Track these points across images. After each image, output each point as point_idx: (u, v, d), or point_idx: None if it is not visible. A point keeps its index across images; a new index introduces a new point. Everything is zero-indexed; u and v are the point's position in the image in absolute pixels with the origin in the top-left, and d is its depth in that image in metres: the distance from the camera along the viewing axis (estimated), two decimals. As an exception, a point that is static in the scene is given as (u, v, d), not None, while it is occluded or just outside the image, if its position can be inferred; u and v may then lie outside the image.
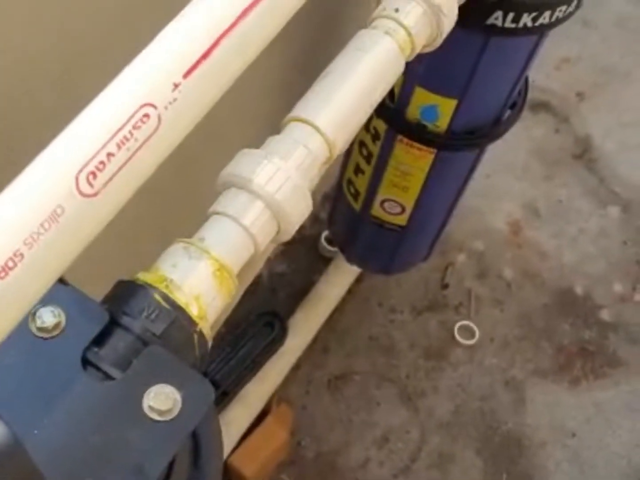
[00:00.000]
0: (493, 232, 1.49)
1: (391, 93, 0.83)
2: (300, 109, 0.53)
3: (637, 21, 1.77)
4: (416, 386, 1.34)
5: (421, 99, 0.80)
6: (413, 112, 0.82)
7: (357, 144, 0.94)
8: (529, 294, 1.44)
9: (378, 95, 0.56)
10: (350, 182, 1.00)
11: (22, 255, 0.25)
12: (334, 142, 0.53)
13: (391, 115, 0.84)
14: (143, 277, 0.45)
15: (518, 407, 1.34)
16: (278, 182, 0.49)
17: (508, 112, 0.86)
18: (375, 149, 0.91)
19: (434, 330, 1.40)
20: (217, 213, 0.49)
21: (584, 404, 1.34)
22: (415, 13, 0.57)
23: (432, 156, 0.87)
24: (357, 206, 1.01)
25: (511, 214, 1.51)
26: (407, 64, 0.73)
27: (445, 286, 1.43)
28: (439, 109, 0.81)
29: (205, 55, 0.30)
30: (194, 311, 0.45)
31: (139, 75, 0.28)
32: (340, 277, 1.28)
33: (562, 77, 1.70)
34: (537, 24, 0.68)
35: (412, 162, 0.89)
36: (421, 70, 0.77)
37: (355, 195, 1.00)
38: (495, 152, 1.56)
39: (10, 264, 0.25)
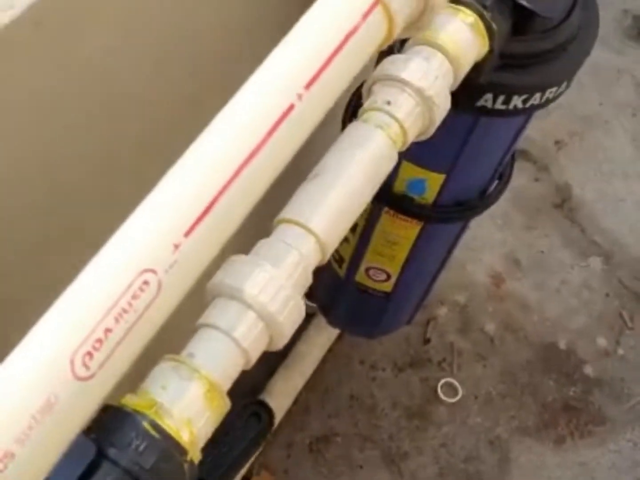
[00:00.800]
0: (475, 284, 1.49)
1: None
2: (292, 211, 0.52)
3: (613, 70, 1.79)
4: (399, 447, 1.32)
5: (408, 173, 0.80)
6: (400, 185, 0.81)
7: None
8: (511, 348, 1.44)
9: (371, 191, 0.54)
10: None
11: (12, 455, 0.23)
12: (326, 244, 0.51)
13: (377, 187, 0.83)
14: (131, 401, 0.43)
15: (503, 467, 1.32)
16: (271, 292, 0.47)
17: (495, 183, 0.85)
18: (360, 219, 0.89)
19: (416, 387, 1.38)
20: (207, 325, 0.47)
21: (569, 464, 1.33)
22: (407, 105, 0.56)
23: (418, 227, 0.86)
24: (341, 272, 1.00)
25: (493, 266, 1.51)
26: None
27: (427, 341, 1.42)
28: (426, 183, 0.80)
29: (207, 210, 0.28)
30: (184, 437, 0.43)
31: (137, 238, 0.27)
32: (321, 337, 1.26)
33: (541, 125, 1.71)
34: (527, 105, 0.67)
35: (398, 233, 0.88)
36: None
37: (340, 262, 0.99)
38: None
39: (0, 466, 0.23)
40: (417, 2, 0.45)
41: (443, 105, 0.58)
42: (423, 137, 0.60)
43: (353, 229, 0.92)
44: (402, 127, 0.56)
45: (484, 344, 1.44)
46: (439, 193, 0.81)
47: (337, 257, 0.99)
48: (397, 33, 0.47)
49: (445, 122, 0.71)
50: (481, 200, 0.84)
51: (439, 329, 1.44)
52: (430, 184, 0.80)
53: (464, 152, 0.75)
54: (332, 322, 1.14)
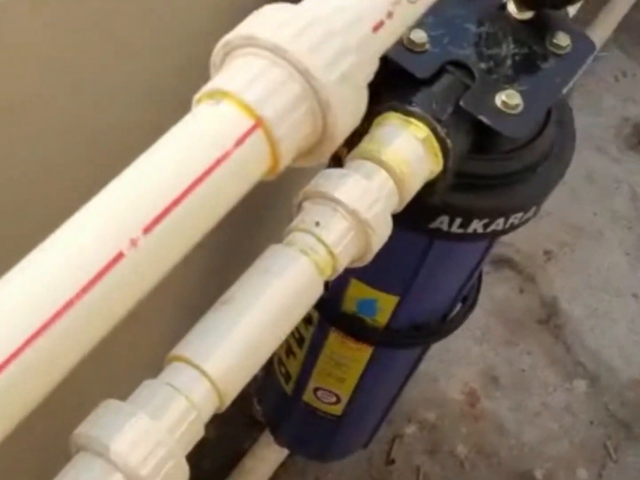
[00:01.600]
0: (447, 401, 1.41)
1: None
2: (187, 346, 0.45)
3: (609, 177, 1.75)
4: None
5: (358, 292, 0.73)
6: (349, 303, 0.75)
7: (289, 324, 0.85)
8: (483, 475, 1.35)
9: (288, 326, 0.48)
10: (280, 361, 0.91)
11: None
12: (225, 391, 0.44)
13: (324, 304, 0.76)
14: None
15: None
16: (143, 451, 0.40)
17: (458, 307, 0.79)
18: (307, 333, 0.83)
19: (375, 515, 1.29)
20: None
21: None
22: (338, 228, 0.50)
23: (369, 351, 0.79)
24: (287, 389, 0.93)
25: (468, 382, 1.43)
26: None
27: (391, 462, 1.33)
28: (377, 304, 0.73)
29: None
30: None
31: None
32: (271, 452, 1.17)
33: (529, 232, 1.64)
34: (488, 230, 0.61)
35: (348, 355, 0.80)
36: (358, 263, 0.69)
37: (287, 377, 0.91)
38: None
39: None
40: (312, 129, 0.39)
41: (381, 231, 0.51)
42: (359, 264, 0.53)
43: (299, 344, 0.85)
44: (331, 253, 0.49)
45: (454, 469, 1.35)
46: (393, 315, 0.74)
47: (284, 371, 0.91)
48: (285, 162, 0.40)
49: (397, 242, 0.65)
50: (442, 325, 0.77)
51: (404, 448, 1.35)
52: (382, 305, 0.73)
53: (419, 275, 0.68)
54: (279, 441, 1.06)
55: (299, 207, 0.52)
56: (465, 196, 0.59)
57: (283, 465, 1.27)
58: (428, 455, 1.35)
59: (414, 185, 0.54)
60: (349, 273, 0.70)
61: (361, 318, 0.75)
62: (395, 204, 0.54)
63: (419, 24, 0.58)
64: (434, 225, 0.60)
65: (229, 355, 0.44)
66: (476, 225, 0.61)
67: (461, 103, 0.55)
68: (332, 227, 0.50)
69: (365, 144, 0.54)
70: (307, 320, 0.81)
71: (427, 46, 0.57)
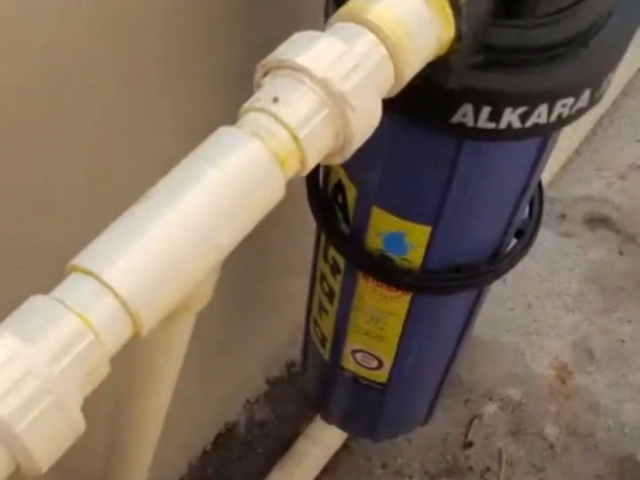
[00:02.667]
0: (534, 377, 1.27)
1: (345, 211, 0.64)
2: (89, 254, 0.34)
3: None
4: None
5: (382, 224, 0.61)
6: (373, 240, 0.63)
7: (319, 274, 0.74)
8: (577, 460, 1.21)
9: (231, 233, 0.36)
10: (316, 322, 0.81)
11: None
12: (138, 312, 0.34)
13: (345, 243, 0.65)
14: None
15: None
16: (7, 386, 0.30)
17: (513, 243, 0.66)
18: (336, 284, 0.71)
19: (451, 504, 1.16)
20: None
21: None
22: (304, 105, 0.38)
23: (407, 299, 0.67)
24: (325, 354, 0.81)
25: (558, 356, 1.29)
26: (355, 171, 0.52)
27: (468, 445, 1.21)
28: (407, 239, 0.61)
29: None
30: None
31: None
32: (326, 433, 1.06)
33: (629, 188, 1.48)
34: (527, 124, 0.48)
35: (382, 306, 0.69)
36: (375, 181, 0.58)
37: (323, 341, 0.80)
38: (539, 276, 1.37)
39: None
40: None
41: (364, 110, 0.40)
42: (339, 158, 0.42)
43: (330, 298, 0.74)
44: (295, 138, 0.38)
45: (542, 452, 1.21)
46: (427, 253, 0.62)
47: (320, 334, 0.80)
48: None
49: (416, 148, 0.54)
50: (490, 265, 0.65)
51: (484, 430, 1.22)
52: (413, 240, 0.61)
53: (450, 194, 0.56)
54: (325, 418, 0.95)
55: (259, 84, 0.41)
56: (492, 76, 0.47)
57: (347, 448, 1.16)
58: (511, 437, 1.22)
59: (415, 56, 0.42)
60: (368, 195, 0.59)
61: (390, 258, 0.63)
62: (389, 80, 0.42)
63: None
64: (455, 118, 0.48)
65: (143, 266, 0.34)
66: (510, 117, 0.48)
67: (476, -51, 0.43)
68: (296, 103, 0.38)
69: (350, 2, 0.42)
70: (334, 268, 0.70)
71: None
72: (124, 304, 0.33)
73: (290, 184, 0.38)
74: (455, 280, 0.64)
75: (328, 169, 0.65)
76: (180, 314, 0.43)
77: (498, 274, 0.65)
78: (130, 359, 0.47)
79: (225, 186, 0.36)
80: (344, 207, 0.63)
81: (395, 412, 0.85)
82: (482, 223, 0.61)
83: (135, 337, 0.34)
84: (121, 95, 0.55)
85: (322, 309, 0.77)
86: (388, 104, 0.49)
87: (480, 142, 0.51)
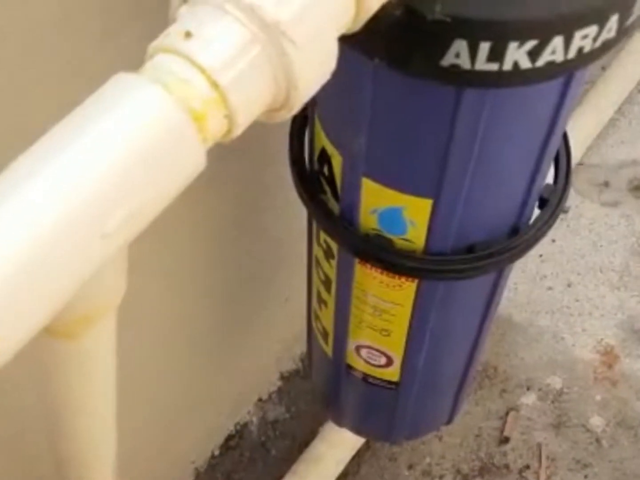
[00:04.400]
0: (576, 362, 1.17)
1: (332, 185, 0.54)
2: None
3: None
4: None
5: (375, 199, 0.52)
6: (367, 219, 0.53)
7: (314, 259, 0.65)
8: (628, 453, 1.11)
9: (126, 221, 0.27)
10: (316, 315, 0.72)
11: None
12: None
13: (335, 222, 0.55)
14: None
15: None
16: None
17: (535, 214, 0.56)
18: (331, 271, 0.62)
19: (487, 506, 1.07)
20: None
21: None
22: (226, 39, 0.29)
23: (412, 286, 0.58)
24: (328, 351, 0.73)
25: (602, 339, 1.18)
26: (337, 135, 0.47)
27: (505, 440, 1.11)
28: (405, 214, 0.52)
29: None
30: None
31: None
32: (344, 433, 0.97)
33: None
34: (539, 63, 0.38)
35: (385, 295, 0.59)
36: (361, 147, 0.48)
37: (325, 336, 0.72)
38: (579, 250, 1.26)
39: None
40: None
41: (313, 45, 0.30)
42: (286, 113, 0.32)
43: (327, 286, 0.65)
44: (214, 85, 0.29)
45: (587, 446, 1.11)
46: (430, 231, 0.52)
47: (321, 327, 0.71)
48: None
49: (406, 104, 0.44)
50: (510, 242, 0.55)
51: (522, 423, 1.12)
52: (412, 216, 0.52)
53: (451, 158, 0.46)
54: (337, 420, 0.86)
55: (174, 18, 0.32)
56: (490, 2, 0.37)
57: (369, 448, 1.08)
58: (552, 430, 1.12)
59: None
60: (355, 164, 0.50)
61: (388, 238, 0.54)
62: (348, 7, 0.32)
63: None
64: (446, 60, 0.39)
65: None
66: (517, 55, 0.38)
67: None
68: (215, 38, 0.29)
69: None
70: (327, 252, 0.61)
71: None
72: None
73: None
74: (467, 262, 0.54)
75: (312, 136, 0.55)
76: (94, 315, 0.34)
77: (519, 252, 0.55)
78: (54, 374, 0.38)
79: (111, 154, 0.27)
80: (331, 180, 0.54)
81: (412, 412, 0.75)
82: (494, 191, 0.51)
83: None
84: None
85: (320, 299, 0.68)
86: (361, 47, 0.40)
87: (481, 89, 0.41)
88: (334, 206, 0.55)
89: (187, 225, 0.70)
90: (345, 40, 0.36)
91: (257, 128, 0.33)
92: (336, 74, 0.37)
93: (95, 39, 0.49)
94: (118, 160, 0.26)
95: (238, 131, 0.30)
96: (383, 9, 0.35)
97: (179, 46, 0.29)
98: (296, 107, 0.32)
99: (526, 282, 1.23)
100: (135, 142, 0.27)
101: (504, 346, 1.17)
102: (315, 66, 0.31)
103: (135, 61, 0.30)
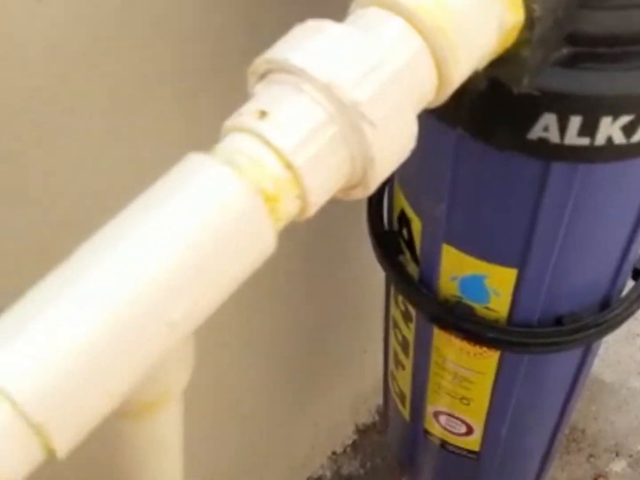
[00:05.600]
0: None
1: (412, 249, 0.53)
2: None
3: None
4: None
5: (456, 266, 0.50)
6: (447, 285, 0.52)
7: (392, 320, 0.64)
8: None
9: (193, 307, 0.27)
10: (393, 376, 0.70)
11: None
12: (45, 427, 0.24)
13: (414, 287, 0.54)
14: None
15: None
16: None
17: (629, 286, 0.54)
18: (409, 333, 0.61)
19: None
20: None
21: None
22: (305, 119, 0.28)
23: (495, 356, 0.56)
24: (405, 414, 0.71)
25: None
26: (417, 200, 0.47)
27: (592, 511, 1.06)
28: (487, 283, 0.50)
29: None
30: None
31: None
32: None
33: None
34: (635, 138, 0.37)
35: (465, 363, 0.58)
36: (442, 213, 0.47)
37: (402, 398, 0.70)
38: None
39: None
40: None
41: (391, 126, 0.30)
42: (360, 193, 0.31)
43: (405, 349, 0.63)
44: (288, 166, 0.28)
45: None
46: (515, 301, 0.51)
47: (397, 389, 0.70)
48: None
49: (491, 172, 0.43)
50: (601, 315, 0.53)
51: (612, 492, 1.07)
52: (495, 285, 0.50)
53: (538, 228, 0.45)
54: (413, 483, 0.84)
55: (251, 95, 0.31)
56: (582, 75, 0.36)
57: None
58: (646, 502, 1.07)
59: (467, 49, 0.32)
60: (436, 229, 0.49)
61: (469, 306, 0.52)
62: (428, 83, 0.31)
63: None
64: (534, 133, 0.37)
65: (40, 363, 0.24)
66: (610, 130, 0.37)
67: None
68: (290, 118, 0.29)
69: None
70: (405, 314, 0.60)
71: None
72: (21, 414, 0.24)
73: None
74: (554, 335, 0.52)
75: (391, 195, 0.55)
76: (157, 405, 0.34)
77: (610, 327, 0.53)
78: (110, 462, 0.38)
79: (178, 238, 0.26)
80: (410, 243, 0.53)
81: (493, 483, 0.73)
82: (584, 262, 0.49)
83: (50, 455, 0.25)
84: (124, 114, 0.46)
85: (398, 361, 0.66)
86: (445, 117, 0.39)
87: (574, 163, 0.40)
88: (413, 269, 0.54)
89: (267, 283, 0.70)
90: (428, 109, 0.36)
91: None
92: (418, 140, 0.36)
93: (172, 107, 0.49)
94: (187, 246, 0.26)
95: (311, 211, 0.30)
96: (468, 81, 0.34)
97: (253, 125, 0.28)
98: (373, 186, 0.31)
99: (618, 341, 1.19)
100: (205, 226, 0.26)
101: (593, 408, 1.13)
102: (393, 146, 0.30)
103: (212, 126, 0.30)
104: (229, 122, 0.29)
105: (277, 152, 0.28)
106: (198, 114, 0.51)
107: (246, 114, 0.29)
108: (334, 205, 0.71)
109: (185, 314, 0.26)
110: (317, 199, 0.29)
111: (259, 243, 0.28)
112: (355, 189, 0.32)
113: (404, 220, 0.53)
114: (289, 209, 0.29)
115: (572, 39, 0.35)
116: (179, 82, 0.49)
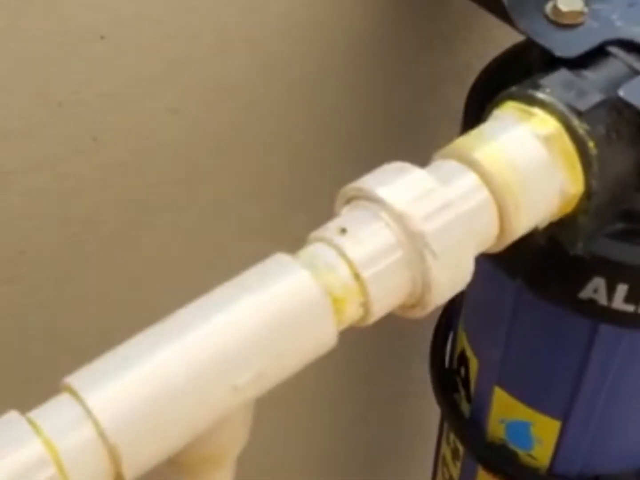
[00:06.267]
0: None
1: (467, 388, 0.57)
2: (78, 374, 0.31)
3: None
4: None
5: (505, 409, 0.54)
6: (496, 427, 0.55)
7: (441, 457, 0.67)
8: None
9: (256, 377, 0.32)
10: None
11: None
12: (118, 448, 0.29)
13: (464, 426, 0.57)
14: None
15: None
16: None
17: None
18: (455, 471, 0.63)
19: None
20: None
21: None
22: (374, 241, 0.34)
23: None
24: None
25: None
26: (476, 341, 0.50)
27: None
28: (532, 430, 0.53)
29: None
30: None
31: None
32: None
33: None
34: (677, 312, 0.41)
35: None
36: (497, 357, 0.51)
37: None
38: None
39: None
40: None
41: (451, 258, 0.35)
42: (418, 312, 0.36)
43: (449, 484, 0.66)
44: (356, 275, 0.33)
45: None
46: (556, 452, 0.53)
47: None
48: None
49: (540, 324, 0.47)
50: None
51: None
52: (539, 433, 0.53)
53: (583, 386, 0.48)
54: None
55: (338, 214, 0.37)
56: (632, 249, 0.40)
57: None
58: None
59: (529, 207, 0.37)
60: (490, 371, 0.53)
61: (513, 451, 0.55)
62: (490, 229, 0.36)
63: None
64: (584, 293, 0.42)
65: (132, 397, 0.29)
66: (655, 300, 0.40)
67: (620, 92, 0.37)
68: (366, 237, 0.34)
69: (459, 140, 0.38)
70: (454, 452, 0.62)
71: (583, 18, 0.41)
72: (108, 444, 0.29)
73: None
74: (590, 492, 0.54)
75: (456, 334, 0.59)
76: (212, 462, 0.38)
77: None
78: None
79: (255, 317, 0.31)
80: (466, 382, 0.57)
81: None
82: (627, 425, 0.52)
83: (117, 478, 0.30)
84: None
85: (442, 497, 0.68)
86: (505, 266, 0.44)
87: (621, 327, 0.43)
88: (466, 408, 0.58)
89: (327, 404, 0.74)
90: (491, 257, 0.40)
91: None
92: (482, 284, 0.41)
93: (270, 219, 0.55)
94: (260, 324, 0.31)
95: (372, 319, 0.35)
96: (529, 235, 0.39)
97: (333, 239, 0.34)
98: (429, 308, 0.36)
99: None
100: (279, 311, 0.32)
101: None
102: (450, 276, 0.35)
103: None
104: (314, 233, 0.35)
105: (349, 263, 0.33)
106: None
107: (330, 229, 0.34)
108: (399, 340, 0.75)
109: (249, 382, 0.31)
110: (378, 309, 0.34)
111: (321, 336, 0.33)
112: (414, 309, 0.36)
113: (463, 359, 0.56)
114: (352, 313, 0.34)
115: (626, 216, 0.40)
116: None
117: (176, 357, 0.30)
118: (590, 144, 0.36)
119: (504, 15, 0.41)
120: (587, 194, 0.37)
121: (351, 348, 0.61)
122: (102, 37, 0.37)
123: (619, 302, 0.41)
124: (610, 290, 0.41)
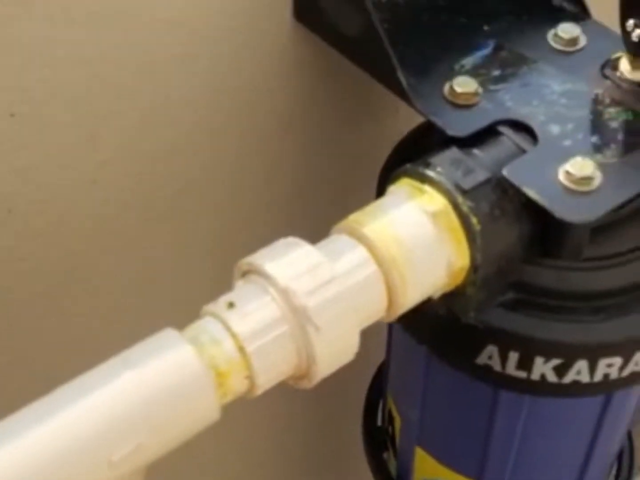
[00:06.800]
0: None
1: (394, 446, 0.58)
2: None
3: None
4: None
5: (425, 468, 0.55)
6: (419, 485, 0.56)
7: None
8: None
9: (133, 452, 0.33)
10: None
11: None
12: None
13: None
14: None
15: None
16: None
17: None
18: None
19: None
20: None
21: None
22: (260, 316, 0.35)
23: None
24: None
25: None
26: (398, 402, 0.53)
27: None
28: (451, 490, 0.54)
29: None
30: None
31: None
32: None
33: None
34: (566, 380, 0.42)
35: None
36: (416, 417, 0.52)
37: None
38: None
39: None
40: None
41: (334, 333, 0.36)
42: (307, 383, 0.38)
43: None
44: (241, 349, 0.35)
45: None
46: (475, 511, 0.54)
47: None
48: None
49: (454, 390, 0.49)
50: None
51: None
52: (457, 493, 0.54)
53: (491, 448, 0.49)
54: None
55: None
56: (521, 319, 0.42)
57: None
58: None
59: (416, 280, 0.38)
60: (410, 431, 0.54)
61: (437, 511, 0.56)
62: (377, 302, 0.38)
63: (472, 69, 0.44)
64: (480, 359, 0.43)
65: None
66: (543, 369, 0.42)
67: (504, 172, 0.39)
68: (252, 312, 0.36)
69: (352, 215, 0.39)
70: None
71: (477, 99, 0.43)
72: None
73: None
74: None
75: (385, 391, 0.60)
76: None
77: None
78: None
79: (134, 392, 0.33)
80: (392, 440, 0.58)
81: None
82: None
83: None
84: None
85: None
86: (412, 331, 0.45)
87: (517, 393, 0.45)
88: (393, 466, 0.59)
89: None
90: (402, 324, 0.42)
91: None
92: (399, 347, 0.42)
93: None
94: (138, 399, 0.32)
95: (258, 392, 0.36)
96: (429, 306, 0.41)
97: (220, 312, 0.35)
98: (315, 380, 0.37)
99: None
100: (157, 386, 0.33)
101: None
102: (334, 349, 0.36)
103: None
104: (206, 307, 0.36)
105: (234, 336, 0.35)
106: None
107: (219, 303, 0.36)
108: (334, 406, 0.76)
109: (127, 456, 0.32)
110: (264, 382, 0.36)
111: (203, 410, 0.34)
112: (303, 380, 0.38)
113: (390, 417, 0.58)
114: (236, 386, 0.35)
115: (516, 287, 0.41)
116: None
117: (51, 432, 0.31)
118: (474, 220, 0.38)
119: (403, 95, 0.43)
120: (473, 267, 0.39)
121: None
122: (11, 115, 0.39)
123: (511, 368, 0.43)
124: (503, 358, 0.42)
